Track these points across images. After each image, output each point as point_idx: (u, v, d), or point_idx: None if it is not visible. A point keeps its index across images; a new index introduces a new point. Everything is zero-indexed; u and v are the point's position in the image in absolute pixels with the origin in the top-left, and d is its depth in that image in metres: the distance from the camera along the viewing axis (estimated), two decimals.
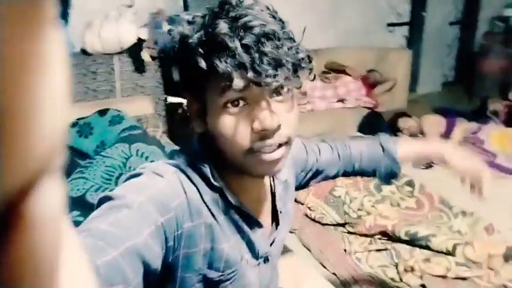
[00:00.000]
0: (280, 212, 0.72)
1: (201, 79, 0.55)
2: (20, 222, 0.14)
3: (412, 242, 1.66)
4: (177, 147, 2.10)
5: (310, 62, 0.57)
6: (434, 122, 2.77)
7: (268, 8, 0.55)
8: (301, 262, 1.43)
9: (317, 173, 0.87)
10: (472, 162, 0.88)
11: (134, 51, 2.54)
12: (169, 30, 0.59)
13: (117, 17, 2.47)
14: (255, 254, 0.67)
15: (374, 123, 2.87)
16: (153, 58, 2.66)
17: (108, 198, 0.53)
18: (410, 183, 2.03)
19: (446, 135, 2.73)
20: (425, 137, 2.79)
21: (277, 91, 0.54)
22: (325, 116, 2.98)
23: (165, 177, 0.57)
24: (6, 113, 0.13)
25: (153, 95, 2.69)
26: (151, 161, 1.76)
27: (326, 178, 0.89)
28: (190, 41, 0.53)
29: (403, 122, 2.87)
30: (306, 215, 1.93)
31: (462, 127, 2.73)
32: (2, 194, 0.13)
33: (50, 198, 0.16)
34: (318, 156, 0.86)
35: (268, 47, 0.50)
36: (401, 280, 1.51)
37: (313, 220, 1.90)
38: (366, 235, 1.76)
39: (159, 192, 0.54)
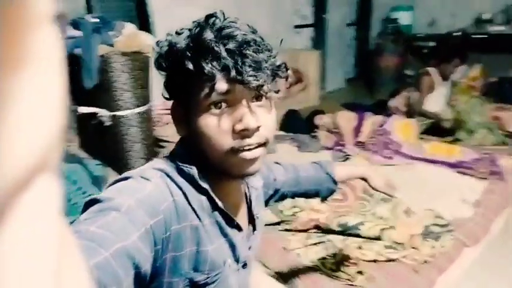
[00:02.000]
0: (257, 217, 0.75)
1: (187, 84, 0.57)
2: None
3: (344, 231, 1.77)
4: (97, 162, 1.94)
5: (286, 70, 0.60)
6: (347, 118, 2.99)
7: (248, 26, 0.59)
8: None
9: (275, 192, 0.92)
10: (382, 183, 1.12)
11: None
12: (157, 42, 0.61)
13: None
14: (236, 258, 0.68)
15: (293, 121, 3.00)
16: None
17: (95, 201, 0.52)
18: None
19: (358, 129, 2.96)
20: (339, 131, 2.99)
21: (257, 96, 0.58)
22: None
23: (152, 180, 0.58)
24: None
25: None
26: (74, 181, 1.60)
27: (282, 197, 0.95)
28: (178, 45, 0.57)
29: (318, 119, 3.04)
30: None
31: (370, 120, 2.98)
32: None
33: (45, 196, 0.16)
34: (276, 175, 0.92)
35: (249, 51, 0.54)
36: (340, 270, 1.59)
37: None
38: (301, 231, 1.83)
39: (147, 196, 0.54)
